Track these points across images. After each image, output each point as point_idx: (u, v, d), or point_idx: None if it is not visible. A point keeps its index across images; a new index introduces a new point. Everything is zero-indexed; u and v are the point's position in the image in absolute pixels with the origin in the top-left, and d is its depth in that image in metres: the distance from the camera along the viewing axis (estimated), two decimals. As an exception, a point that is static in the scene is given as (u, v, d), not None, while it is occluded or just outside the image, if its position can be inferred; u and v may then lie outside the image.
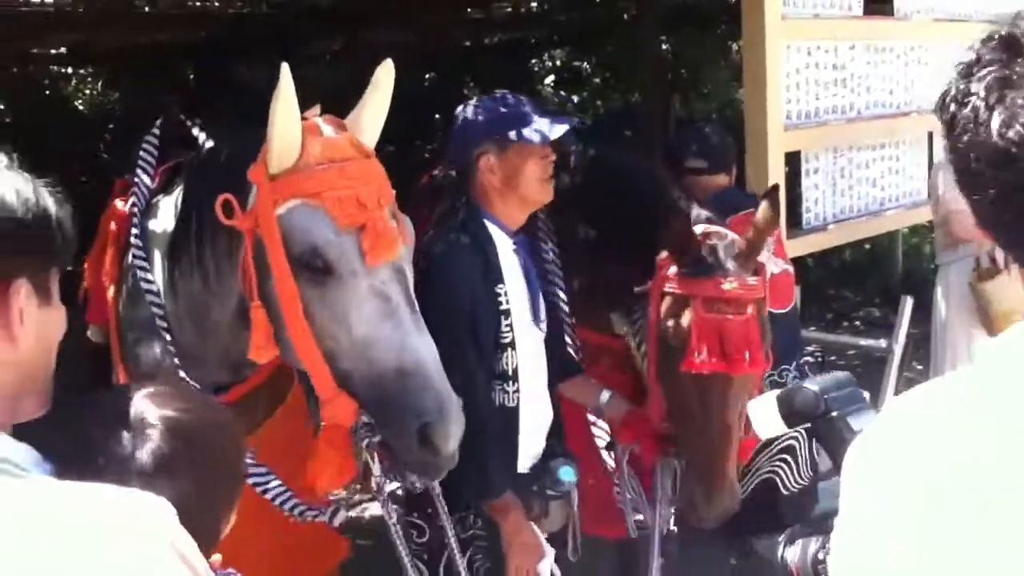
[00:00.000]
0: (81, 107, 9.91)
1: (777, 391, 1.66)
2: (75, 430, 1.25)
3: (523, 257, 2.43)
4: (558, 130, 2.32)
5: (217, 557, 1.38)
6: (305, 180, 1.75)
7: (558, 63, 11.16)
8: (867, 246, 8.13)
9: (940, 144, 4.69)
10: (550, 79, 11.25)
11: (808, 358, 3.26)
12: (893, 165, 4.60)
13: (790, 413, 1.57)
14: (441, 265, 2.26)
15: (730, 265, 2.32)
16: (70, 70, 9.54)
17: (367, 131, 1.94)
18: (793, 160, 4.00)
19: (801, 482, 3.02)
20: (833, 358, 5.57)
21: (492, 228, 2.35)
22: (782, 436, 2.95)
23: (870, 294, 8.20)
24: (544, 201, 2.43)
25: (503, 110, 2.36)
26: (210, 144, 2.17)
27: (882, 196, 4.55)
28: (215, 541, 1.34)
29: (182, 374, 2.04)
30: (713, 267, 2.32)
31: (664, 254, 2.41)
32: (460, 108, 2.45)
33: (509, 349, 2.31)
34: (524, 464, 2.41)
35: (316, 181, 1.75)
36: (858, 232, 4.62)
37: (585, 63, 10.54)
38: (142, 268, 2.13)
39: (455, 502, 2.30)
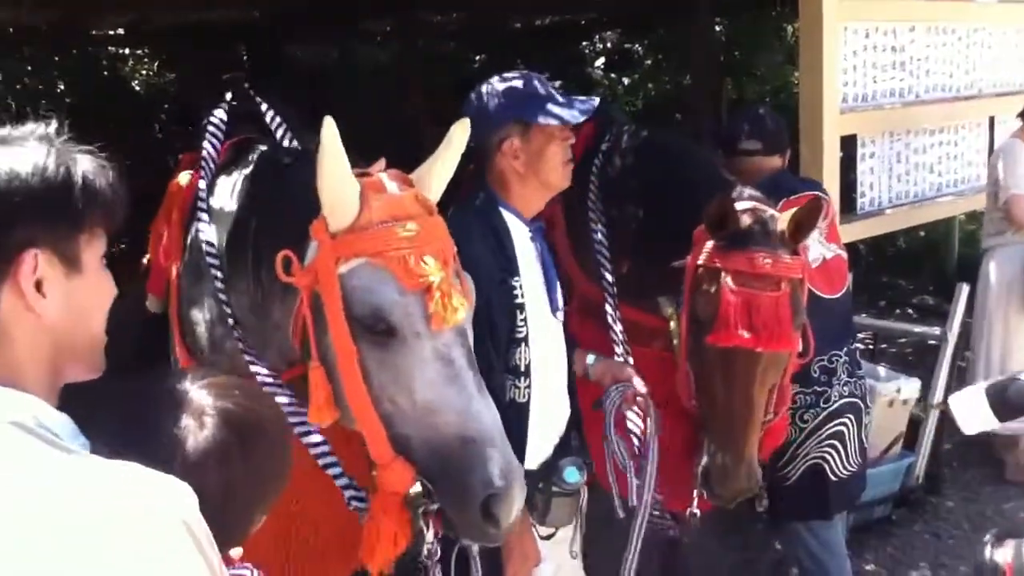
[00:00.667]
0: (137, 87, 10.08)
1: (984, 384, 1.63)
2: (132, 409, 1.28)
3: (539, 244, 2.36)
4: (584, 110, 2.25)
5: (238, 550, 1.36)
6: (368, 239, 1.67)
7: (608, 45, 11.07)
8: (921, 233, 7.97)
9: (1002, 129, 4.63)
10: (600, 61, 11.17)
11: (859, 345, 3.23)
12: (951, 150, 4.51)
13: (1003, 405, 1.52)
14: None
15: (766, 241, 2.31)
16: (127, 50, 9.69)
17: (434, 187, 1.86)
18: (848, 144, 3.94)
19: (850, 468, 2.99)
20: (884, 345, 5.50)
21: (509, 217, 2.27)
22: (832, 421, 2.94)
23: (924, 281, 8.05)
24: (564, 186, 2.35)
25: (523, 91, 2.26)
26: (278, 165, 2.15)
27: (939, 182, 4.47)
28: (245, 536, 1.34)
29: (246, 358, 2.02)
30: (748, 241, 2.30)
31: (702, 227, 2.39)
32: (473, 91, 2.33)
33: (522, 344, 2.21)
34: (533, 461, 2.26)
35: (379, 240, 1.67)
36: (913, 218, 4.54)
37: (636, 45, 10.44)
38: (208, 244, 2.12)
39: None
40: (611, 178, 2.85)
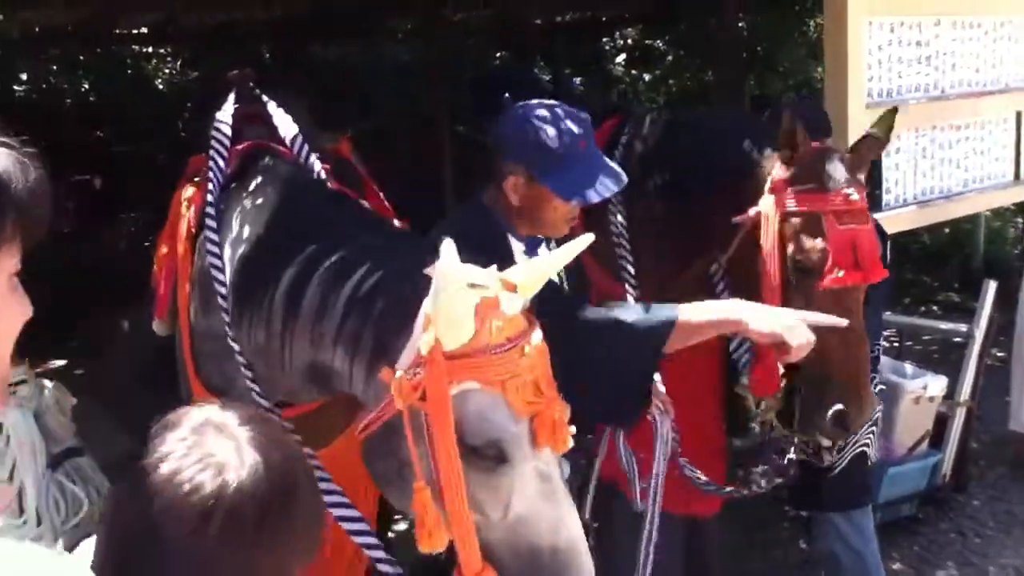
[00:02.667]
0: (161, 86, 10.15)
1: None
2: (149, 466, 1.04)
3: (533, 256, 2.32)
4: (593, 195, 2.15)
5: None
6: (486, 365, 1.56)
7: (630, 41, 11.03)
8: (946, 229, 7.90)
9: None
10: (621, 57, 11.14)
11: (883, 343, 3.23)
12: (978, 146, 4.47)
13: None
14: None
15: (849, 177, 2.38)
16: (150, 49, 9.77)
17: (531, 291, 1.71)
18: (873, 139, 3.90)
19: (878, 453, 3.04)
20: (910, 343, 5.46)
21: (508, 234, 2.25)
22: (878, 406, 2.94)
23: (949, 278, 7.99)
24: (557, 235, 2.30)
25: (548, 143, 2.13)
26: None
27: (965, 177, 4.43)
28: None
29: (256, 397, 1.97)
30: (839, 181, 2.36)
31: (778, 177, 2.42)
32: (516, 110, 2.22)
33: None
34: None
35: (497, 368, 1.57)
36: (940, 214, 4.50)
37: (658, 41, 10.40)
38: (217, 269, 2.02)
39: None
40: (631, 173, 2.84)
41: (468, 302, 1.54)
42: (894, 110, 2.48)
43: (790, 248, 2.39)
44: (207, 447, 1.03)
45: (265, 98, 2.44)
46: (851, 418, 2.39)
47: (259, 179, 2.16)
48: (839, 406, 2.40)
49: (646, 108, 3.09)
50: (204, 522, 0.98)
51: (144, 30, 7.79)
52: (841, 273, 2.30)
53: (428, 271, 1.60)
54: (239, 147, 2.29)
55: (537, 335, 1.63)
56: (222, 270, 2.03)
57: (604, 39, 10.77)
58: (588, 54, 10.61)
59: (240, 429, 1.06)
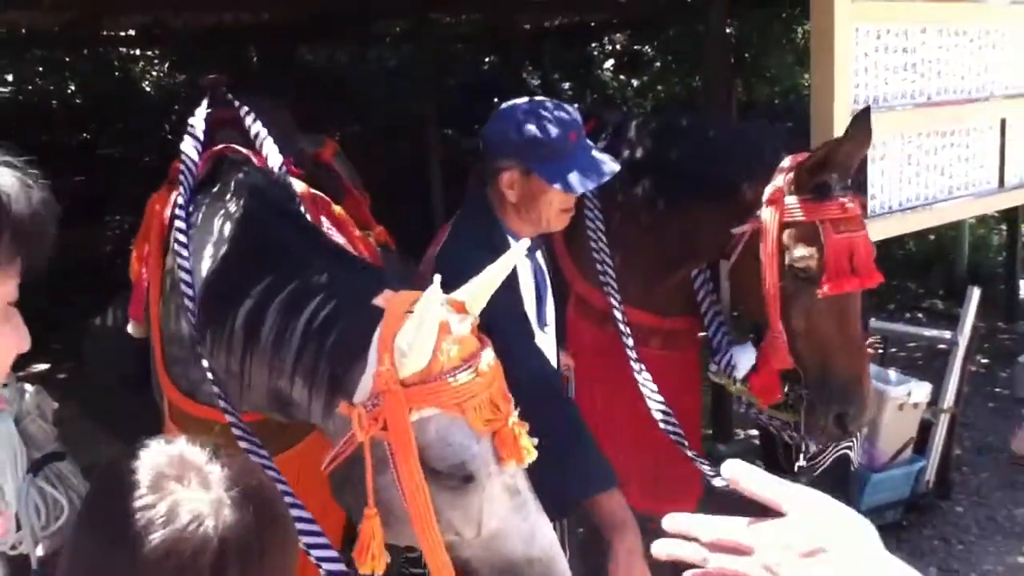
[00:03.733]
0: (148, 88, 10.11)
1: None
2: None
3: (533, 261, 2.37)
4: (587, 183, 2.19)
5: None
6: (444, 389, 1.56)
7: (618, 47, 11.06)
8: (931, 236, 7.95)
9: (1013, 131, 4.58)
10: (609, 63, 11.16)
11: (869, 350, 3.24)
12: (963, 153, 4.49)
13: None
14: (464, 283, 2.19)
15: (843, 185, 2.43)
16: (138, 52, 9.73)
17: (481, 306, 1.71)
18: (859, 146, 3.92)
19: (858, 458, 3.08)
20: (894, 349, 5.48)
21: (510, 239, 2.26)
22: None
23: (934, 285, 8.03)
24: (556, 229, 2.36)
25: (539, 135, 2.17)
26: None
27: (950, 184, 4.45)
28: None
29: (222, 404, 1.94)
30: (831, 189, 2.41)
31: (776, 188, 2.45)
32: (504, 107, 2.28)
33: None
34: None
35: (455, 391, 1.57)
36: (924, 221, 4.51)
37: (646, 46, 10.43)
38: (185, 271, 2.00)
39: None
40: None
41: (432, 342, 1.55)
42: (867, 110, 2.49)
43: (788, 257, 2.43)
44: (178, 496, 0.95)
45: (237, 103, 2.43)
46: (850, 419, 2.46)
47: (227, 188, 2.14)
48: (840, 408, 2.47)
49: (622, 113, 3.14)
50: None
51: (131, 32, 7.75)
52: (839, 280, 2.34)
53: (377, 301, 1.63)
54: (210, 151, 2.29)
55: (489, 353, 1.65)
56: (190, 272, 2.01)
57: (592, 44, 10.80)
58: (576, 59, 10.64)
59: (211, 468, 1.00)
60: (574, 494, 2.04)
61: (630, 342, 2.75)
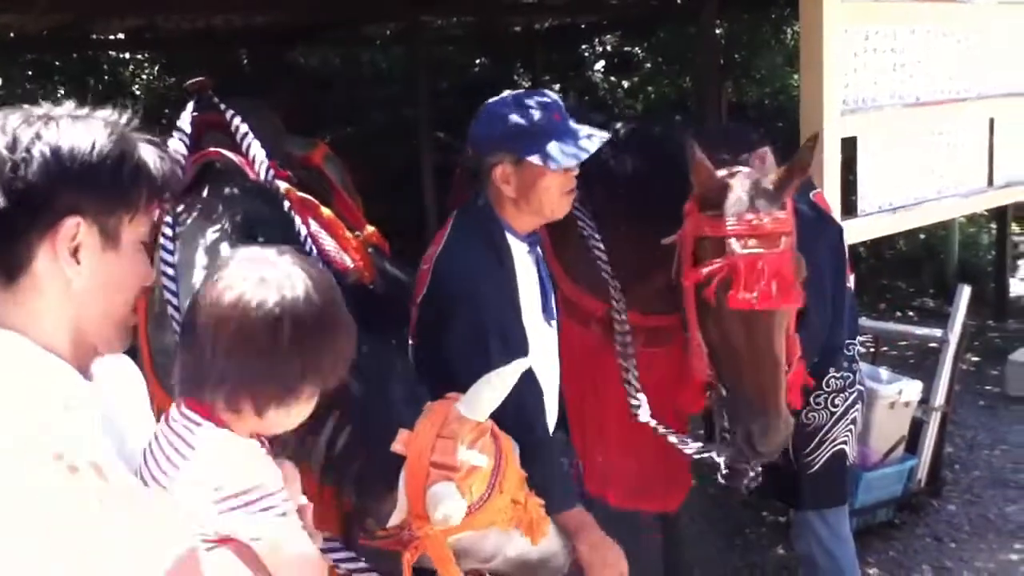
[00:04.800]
0: (138, 91, 10.08)
1: None
2: None
3: (535, 255, 2.36)
4: (580, 153, 2.19)
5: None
6: (473, 518, 1.72)
7: (608, 48, 11.08)
8: (921, 235, 7.98)
9: (1001, 131, 4.60)
10: (600, 64, 11.18)
11: (860, 348, 3.26)
12: (951, 152, 4.51)
13: None
14: (466, 284, 2.18)
15: (758, 202, 2.36)
16: (128, 55, 9.70)
17: (486, 409, 1.77)
18: (848, 146, 3.94)
19: (854, 454, 3.08)
20: (885, 348, 5.50)
21: (509, 237, 2.27)
22: (855, 404, 2.97)
23: (924, 284, 8.06)
24: (560, 215, 2.34)
25: (523, 122, 2.18)
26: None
27: (939, 184, 4.47)
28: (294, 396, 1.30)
29: None
30: (743, 205, 2.36)
31: (691, 200, 2.44)
32: (485, 105, 2.28)
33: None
34: None
35: (484, 515, 1.74)
36: (914, 220, 4.53)
37: (637, 48, 10.45)
38: (168, 283, 1.99)
39: None
40: (591, 179, 2.88)
41: (461, 501, 1.65)
42: (814, 137, 2.49)
43: (699, 271, 2.40)
44: (260, 273, 1.25)
45: (223, 106, 2.42)
46: (755, 438, 2.41)
47: (214, 199, 2.13)
48: (746, 425, 2.43)
49: (600, 116, 3.16)
50: (272, 332, 1.21)
51: (121, 36, 7.73)
52: (743, 296, 2.29)
53: (396, 447, 1.69)
54: (196, 155, 2.28)
55: (509, 462, 1.77)
56: (176, 281, 2.01)
57: (583, 46, 10.82)
58: (567, 61, 10.65)
59: (282, 258, 1.28)
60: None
61: (625, 342, 2.76)
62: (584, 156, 2.20)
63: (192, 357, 1.28)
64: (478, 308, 2.14)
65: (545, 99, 2.23)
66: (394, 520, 1.74)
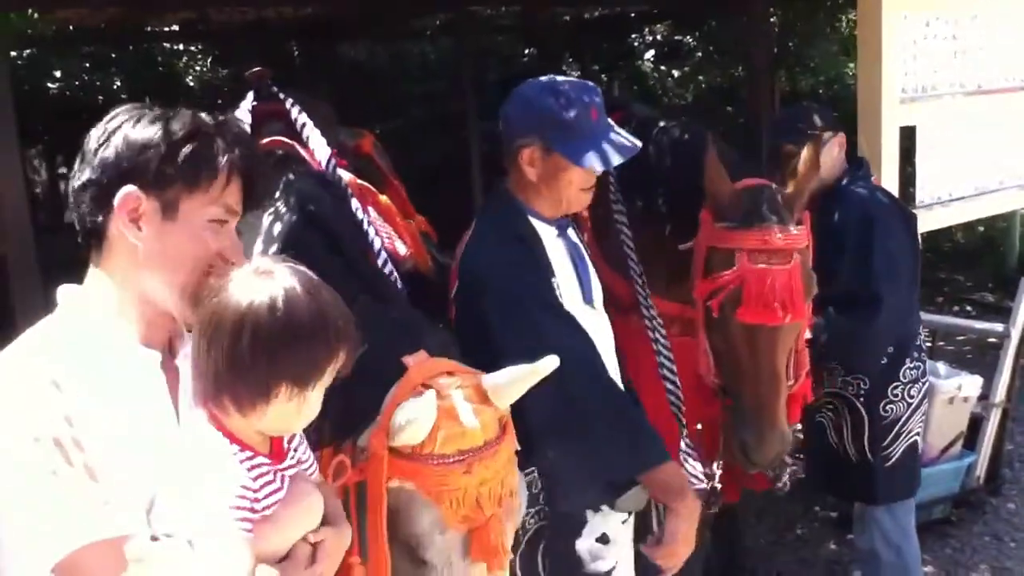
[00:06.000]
0: (191, 83, 10.22)
1: None
2: None
3: (567, 240, 2.32)
4: (612, 159, 2.14)
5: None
6: (425, 472, 1.54)
7: (658, 37, 10.96)
8: (980, 227, 7.80)
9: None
10: (650, 54, 11.07)
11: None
12: (1013, 141, 4.39)
13: None
14: (495, 270, 2.15)
15: (773, 216, 2.35)
16: (181, 47, 9.84)
17: (510, 399, 1.65)
18: (907, 135, 3.86)
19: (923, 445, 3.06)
20: (943, 343, 5.38)
21: (535, 222, 2.23)
22: (927, 394, 2.93)
23: (983, 277, 7.88)
24: (576, 210, 2.31)
25: (559, 112, 2.13)
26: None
27: (1000, 174, 4.36)
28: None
29: None
30: (756, 219, 2.34)
31: (706, 210, 2.43)
32: (521, 86, 2.24)
33: None
34: None
35: (437, 478, 1.54)
36: (974, 211, 4.43)
37: (687, 37, 10.33)
38: None
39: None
40: (630, 169, 2.87)
41: (433, 415, 1.53)
42: (817, 138, 2.48)
43: (708, 282, 2.41)
44: (246, 280, 1.29)
45: (283, 95, 2.42)
46: (750, 448, 2.41)
47: (282, 187, 2.11)
48: (742, 435, 2.43)
49: (645, 106, 3.18)
50: (235, 336, 1.24)
51: (175, 28, 7.85)
52: (749, 310, 2.29)
53: (408, 360, 1.63)
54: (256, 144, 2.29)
55: (504, 451, 1.61)
56: None
57: (632, 35, 10.72)
58: (616, 51, 10.56)
59: (278, 266, 1.32)
60: (625, 471, 2.07)
61: (653, 324, 2.76)
62: (614, 164, 2.17)
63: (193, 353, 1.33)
64: (510, 290, 2.11)
65: (584, 94, 2.18)
66: (362, 439, 1.61)
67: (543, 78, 2.25)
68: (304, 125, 2.33)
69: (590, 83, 2.25)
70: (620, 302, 2.82)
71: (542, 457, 2.07)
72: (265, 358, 1.25)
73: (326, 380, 1.32)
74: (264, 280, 1.27)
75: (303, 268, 1.32)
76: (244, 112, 2.34)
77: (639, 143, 2.20)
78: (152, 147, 1.33)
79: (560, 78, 2.26)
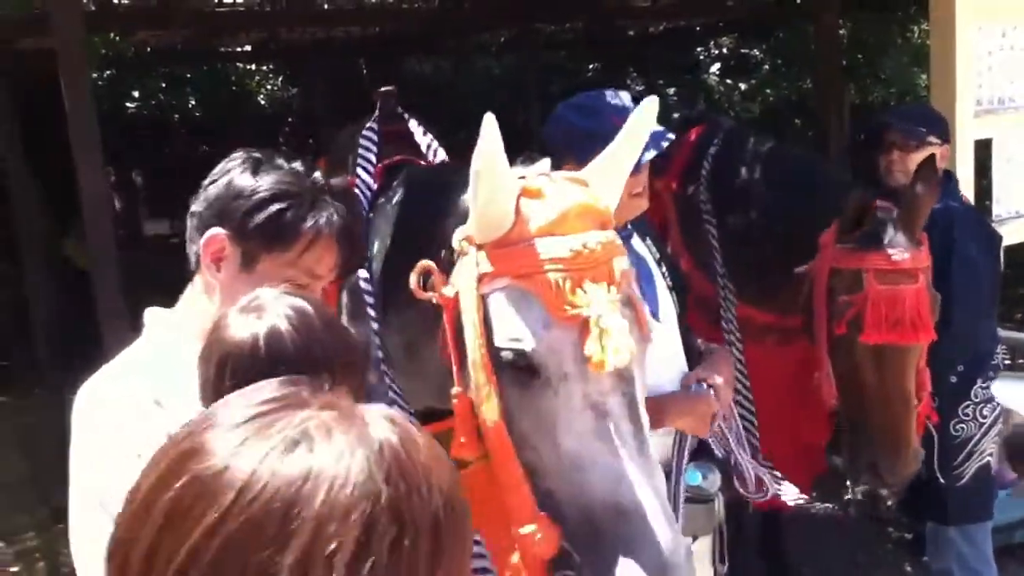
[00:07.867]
0: (263, 101, 10.47)
1: None
2: None
3: (629, 250, 2.29)
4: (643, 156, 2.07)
5: None
6: (516, 257, 1.39)
7: (725, 50, 10.89)
8: (1061, 242, 7.54)
9: None
10: (716, 67, 11.00)
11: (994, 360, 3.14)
12: (1096, 154, 4.25)
13: None
14: None
15: (899, 237, 2.36)
16: (253, 66, 10.08)
17: (613, 184, 1.54)
18: (983, 148, 3.77)
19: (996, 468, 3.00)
20: (1022, 361, 5.22)
21: None
22: (1000, 415, 2.88)
23: (1064, 293, 7.62)
24: (634, 215, 2.18)
25: (585, 126, 2.09)
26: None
27: (1082, 187, 4.21)
28: None
29: (392, 395, 1.96)
30: (883, 240, 2.37)
31: (828, 232, 2.46)
32: (558, 107, 2.21)
33: None
34: None
35: (529, 260, 1.38)
36: (1054, 226, 4.29)
37: (754, 49, 10.24)
38: (365, 284, 2.03)
39: None
40: (723, 180, 2.89)
41: (509, 188, 1.41)
42: (931, 158, 2.47)
43: (833, 304, 2.43)
44: (238, 315, 1.24)
45: (406, 116, 2.46)
46: (883, 469, 2.42)
47: (402, 190, 2.18)
48: (871, 457, 2.44)
49: (728, 119, 3.20)
50: (217, 369, 1.20)
51: (247, 48, 8.05)
52: (878, 331, 2.31)
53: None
54: (384, 163, 2.30)
55: (601, 232, 1.43)
56: (369, 280, 2.05)
57: (698, 48, 10.66)
58: (682, 64, 10.52)
59: (273, 301, 1.23)
60: None
61: (731, 328, 2.76)
62: (646, 160, 2.08)
63: None
64: None
65: (607, 102, 2.16)
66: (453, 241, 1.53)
67: (575, 97, 2.22)
68: (430, 144, 2.37)
69: (613, 91, 2.20)
70: (710, 307, 2.87)
71: None
72: (237, 385, 1.22)
73: None
74: (250, 317, 1.23)
75: (302, 301, 1.23)
76: (372, 131, 2.35)
77: (664, 142, 2.07)
78: (243, 198, 1.39)
79: (589, 91, 2.21)
